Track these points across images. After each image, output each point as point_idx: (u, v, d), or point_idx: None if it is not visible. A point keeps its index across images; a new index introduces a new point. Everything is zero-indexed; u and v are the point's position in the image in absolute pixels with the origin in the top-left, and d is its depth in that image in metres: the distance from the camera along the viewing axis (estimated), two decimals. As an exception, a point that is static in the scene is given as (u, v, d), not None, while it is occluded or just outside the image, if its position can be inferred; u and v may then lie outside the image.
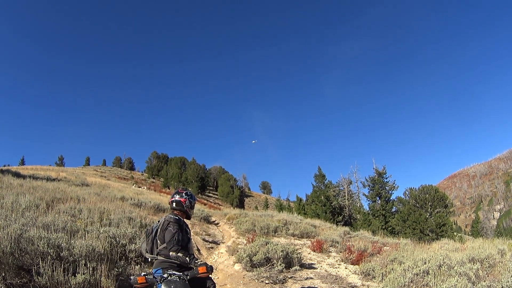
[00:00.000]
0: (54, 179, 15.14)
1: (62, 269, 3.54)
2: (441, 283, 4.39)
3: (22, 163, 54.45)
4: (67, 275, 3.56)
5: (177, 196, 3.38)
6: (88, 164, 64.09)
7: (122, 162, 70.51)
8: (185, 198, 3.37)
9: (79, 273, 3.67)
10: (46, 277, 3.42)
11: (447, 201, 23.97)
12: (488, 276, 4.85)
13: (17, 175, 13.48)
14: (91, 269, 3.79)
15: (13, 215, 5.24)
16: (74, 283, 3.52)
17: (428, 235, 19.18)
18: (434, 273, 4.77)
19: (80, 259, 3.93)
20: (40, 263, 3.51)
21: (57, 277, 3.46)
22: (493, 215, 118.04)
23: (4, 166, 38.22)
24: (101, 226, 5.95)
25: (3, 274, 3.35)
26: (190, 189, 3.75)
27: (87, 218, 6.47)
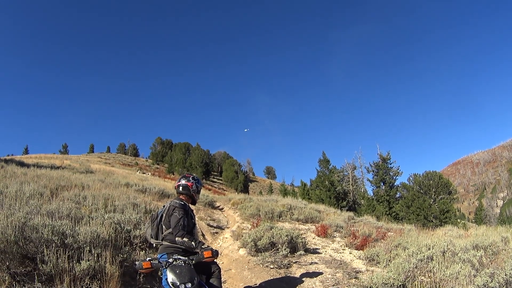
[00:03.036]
0: (58, 167, 15.25)
1: (66, 256, 3.52)
2: (445, 269, 4.36)
3: (26, 152, 54.92)
4: (71, 262, 3.56)
5: (184, 181, 3.37)
6: (92, 151, 64.64)
7: (126, 149, 70.99)
8: (192, 182, 3.37)
9: (83, 259, 3.65)
10: (51, 265, 3.41)
11: (451, 188, 23.95)
12: (491, 263, 4.82)
13: (21, 164, 13.57)
14: (95, 255, 3.78)
15: (17, 203, 5.25)
16: (79, 270, 3.52)
17: (432, 221, 19.23)
18: (438, 259, 4.75)
19: (84, 245, 3.93)
20: (45, 251, 3.50)
21: (61, 265, 3.45)
22: (497, 203, 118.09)
23: (8, 155, 38.55)
24: (106, 212, 5.96)
25: (7, 263, 3.35)
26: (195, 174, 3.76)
27: (91, 205, 6.49)
